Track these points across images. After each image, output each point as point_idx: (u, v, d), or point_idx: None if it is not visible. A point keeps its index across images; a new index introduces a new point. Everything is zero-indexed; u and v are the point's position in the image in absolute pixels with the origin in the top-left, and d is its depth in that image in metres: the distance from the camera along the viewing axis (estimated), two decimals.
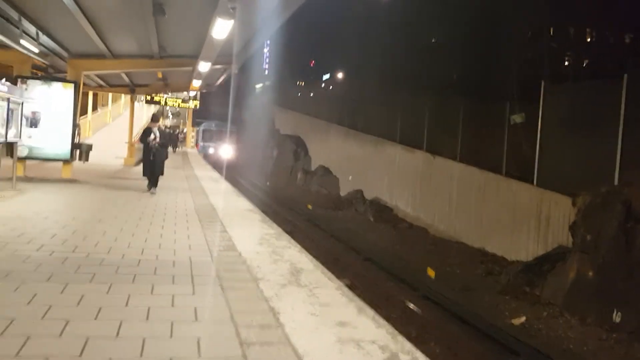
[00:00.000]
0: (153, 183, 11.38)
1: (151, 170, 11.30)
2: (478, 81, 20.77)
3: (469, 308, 8.63)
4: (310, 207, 19.89)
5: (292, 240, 7.06)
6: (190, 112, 38.38)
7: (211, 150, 34.12)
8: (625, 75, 9.78)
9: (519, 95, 16.39)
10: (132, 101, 22.85)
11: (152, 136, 11.13)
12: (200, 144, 36.31)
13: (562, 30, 24.25)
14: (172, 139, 30.43)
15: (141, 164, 12.04)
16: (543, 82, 12.17)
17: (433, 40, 28.27)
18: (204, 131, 36.24)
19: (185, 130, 42.04)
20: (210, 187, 13.74)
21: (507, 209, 12.54)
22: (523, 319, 8.27)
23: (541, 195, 11.39)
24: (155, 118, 11.51)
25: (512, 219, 12.26)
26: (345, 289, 4.80)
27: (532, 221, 11.48)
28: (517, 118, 13.18)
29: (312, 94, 36.15)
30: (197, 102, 28.14)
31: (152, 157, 11.15)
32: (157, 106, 34.34)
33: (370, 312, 4.19)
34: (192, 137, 41.64)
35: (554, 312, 8.43)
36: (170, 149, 30.22)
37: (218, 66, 16.05)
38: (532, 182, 11.92)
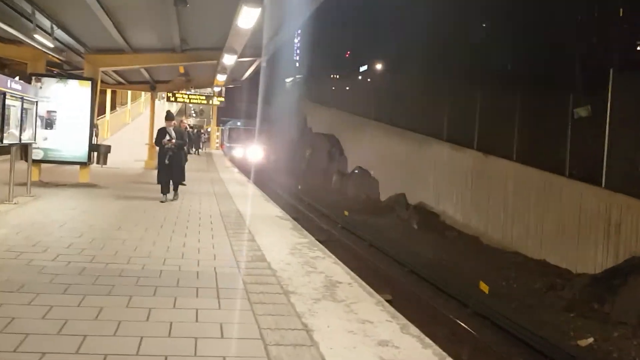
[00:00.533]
0: (171, 189, 11.27)
1: (169, 176, 11.12)
2: (537, 71, 20.74)
3: (528, 327, 8.48)
4: (346, 213, 19.95)
5: (327, 251, 7.09)
6: (215, 109, 39.00)
7: (238, 152, 34.42)
8: None
9: (583, 86, 16.43)
10: (153, 99, 23.34)
11: (167, 137, 10.93)
12: (226, 144, 36.82)
13: (634, 12, 23.93)
14: (195, 139, 30.86)
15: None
16: (611, 71, 12.21)
17: (484, 26, 27.96)
18: (230, 130, 36.78)
19: (209, 130, 42.54)
20: (236, 191, 13.95)
21: (571, 215, 12.34)
22: (591, 340, 8.16)
23: (611, 199, 11.25)
24: (169, 116, 11.25)
25: (577, 226, 12.08)
26: (387, 305, 4.78)
27: (600, 228, 11.34)
28: (582, 111, 13.04)
29: (347, 88, 36.27)
30: (222, 99, 28.48)
31: (167, 161, 10.94)
32: (180, 104, 35.26)
33: (415, 330, 4.16)
34: (217, 137, 42.18)
35: (626, 333, 8.28)
36: (193, 150, 31.41)
37: (244, 59, 16.25)
38: (600, 184, 11.83)
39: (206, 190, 13.79)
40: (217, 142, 40.51)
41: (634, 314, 8.49)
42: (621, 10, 22.59)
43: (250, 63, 18.84)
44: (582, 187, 12.19)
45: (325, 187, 27.49)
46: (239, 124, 37.03)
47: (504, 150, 15.59)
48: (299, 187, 27.98)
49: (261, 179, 25.74)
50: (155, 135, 11.77)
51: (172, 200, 11.14)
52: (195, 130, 36.32)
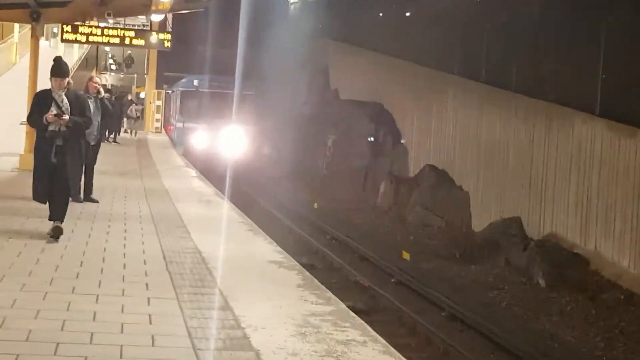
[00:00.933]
0: (56, 213, 10.97)
1: (52, 186, 10.88)
2: None
3: None
4: (407, 255, 20.63)
5: (370, 329, 7.17)
6: (154, 57, 39.91)
7: (199, 138, 35.62)
8: None
9: None
10: (36, 37, 23.25)
11: (52, 110, 10.63)
12: (177, 124, 38.11)
13: None
14: (116, 114, 31.78)
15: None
16: None
17: None
18: (184, 97, 37.75)
19: (142, 97, 44.56)
20: (196, 215, 14.37)
21: None
22: None
23: None
24: (59, 68, 10.92)
25: None
26: None
27: None
28: None
29: (408, 15, 36.02)
30: (168, 37, 28.15)
31: (53, 158, 10.65)
32: (87, 47, 37.18)
33: None
34: (158, 109, 43.47)
35: None
36: (112, 136, 34.16)
37: None
38: None
39: (136, 212, 14.13)
40: (157, 120, 42.15)
41: None
42: None
43: None
44: None
45: (363, 203, 28.67)
46: (200, 83, 37.34)
47: None
48: (315, 205, 29.11)
49: (244, 190, 29.04)
50: (30, 107, 11.89)
51: (51, 237, 10.69)
52: (116, 98, 36.80)
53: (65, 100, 10.61)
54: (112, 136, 34.70)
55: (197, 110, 36.18)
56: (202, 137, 35.06)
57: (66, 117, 10.44)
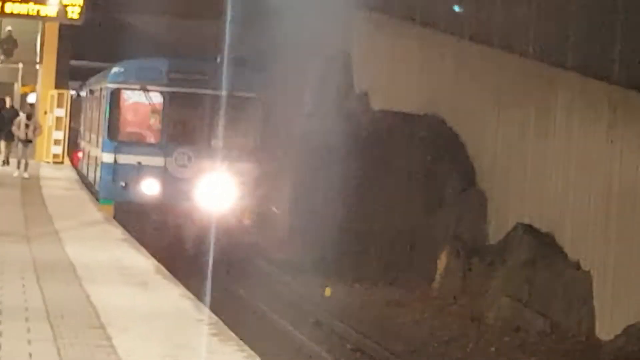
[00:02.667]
0: None
1: None
2: None
3: None
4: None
5: None
6: (53, 37, 36.70)
7: (150, 188, 25.43)
8: None
9: None
10: None
11: None
12: (103, 155, 26.47)
13: None
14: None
15: None
16: None
17: None
18: (119, 104, 26.54)
19: (32, 102, 42.02)
20: (125, 310, 12.88)
21: None
22: None
23: None
24: None
25: None
26: None
27: None
28: None
29: None
30: (78, 4, 27.60)
31: None
32: None
33: None
34: (58, 124, 40.16)
35: None
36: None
37: None
38: None
39: (19, 302, 12.47)
40: (57, 142, 39.11)
41: None
42: None
43: None
44: None
45: (410, 290, 26.61)
46: (152, 74, 26.55)
47: None
48: (327, 291, 26.11)
49: (237, 292, 24.43)
50: None
51: None
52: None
53: None
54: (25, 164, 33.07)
55: (147, 129, 26.07)
56: (155, 183, 24.60)
57: None
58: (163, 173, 23.35)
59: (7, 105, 38.59)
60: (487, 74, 27.92)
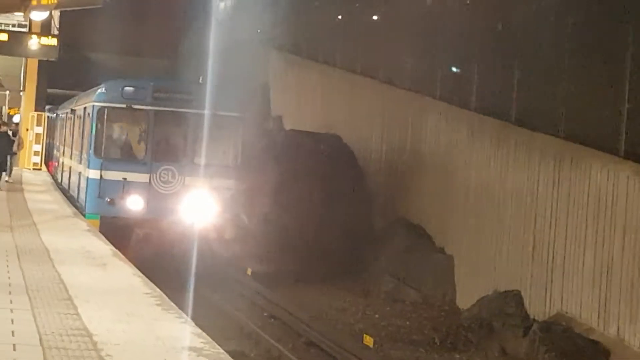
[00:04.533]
0: None
1: None
2: None
3: None
4: (370, 341, 20.87)
5: None
6: (33, 69, 39.67)
7: (136, 204, 25.83)
8: None
9: None
10: None
11: None
12: (89, 173, 26.61)
13: None
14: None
15: None
16: None
17: None
18: (105, 122, 26.75)
19: (16, 121, 44.89)
20: (87, 285, 14.43)
21: None
22: None
23: None
24: None
25: None
26: None
27: None
28: None
29: (375, 18, 37.68)
30: (54, 44, 29.08)
31: None
32: None
33: None
34: (37, 139, 43.82)
35: None
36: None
37: None
38: None
39: (3, 279, 14.12)
40: (36, 153, 42.89)
41: None
42: None
43: None
44: None
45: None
46: (137, 94, 26.57)
47: None
48: (249, 271, 28.37)
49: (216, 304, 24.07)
50: None
51: None
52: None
53: None
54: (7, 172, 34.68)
55: (132, 146, 26.20)
56: (140, 198, 24.90)
57: None
58: (148, 189, 23.55)
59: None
60: (374, 101, 32.65)
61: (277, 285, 26.18)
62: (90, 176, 23.96)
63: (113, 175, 23.57)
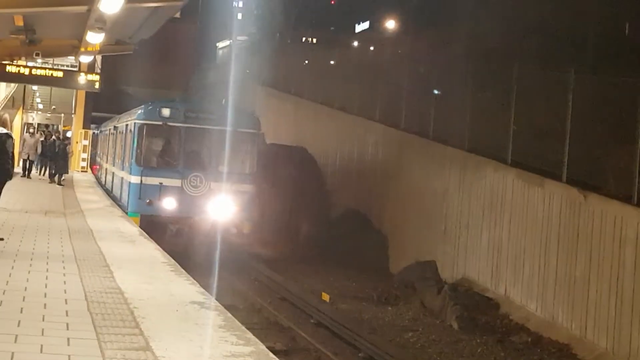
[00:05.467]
0: None
1: None
2: None
3: None
4: (326, 297, 20.73)
5: None
6: (82, 98, 38.09)
7: (171, 204, 22.79)
8: None
9: None
10: None
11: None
12: (131, 178, 23.91)
13: None
14: (61, 155, 32.46)
15: None
16: None
17: None
18: (145, 137, 23.82)
19: (68, 136, 42.68)
20: (120, 256, 14.00)
21: None
22: None
23: None
24: None
25: None
26: None
27: None
28: None
29: (333, 63, 37.22)
30: (97, 80, 27.62)
31: None
32: (13, 85, 35.35)
33: None
34: (84, 148, 41.95)
35: None
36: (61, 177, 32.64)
37: (141, 4, 16.24)
38: None
39: (58, 252, 13.72)
40: (83, 160, 40.43)
41: None
42: None
43: (152, 12, 18.88)
44: None
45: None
46: (173, 114, 23.55)
47: (617, 185, 16.23)
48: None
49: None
50: None
51: None
52: (63, 139, 35.09)
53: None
54: (60, 176, 33.34)
55: (167, 157, 23.53)
56: (173, 200, 22.46)
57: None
58: (180, 192, 21.82)
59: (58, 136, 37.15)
60: (331, 123, 32.30)
61: (274, 263, 24.54)
62: (132, 181, 22.53)
63: (151, 180, 22.13)
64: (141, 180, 22.15)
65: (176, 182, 21.90)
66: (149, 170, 22.17)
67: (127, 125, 25.53)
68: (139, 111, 23.77)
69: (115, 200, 26.42)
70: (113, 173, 29.32)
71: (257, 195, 24.60)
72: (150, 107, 23.46)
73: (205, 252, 20.45)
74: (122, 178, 25.41)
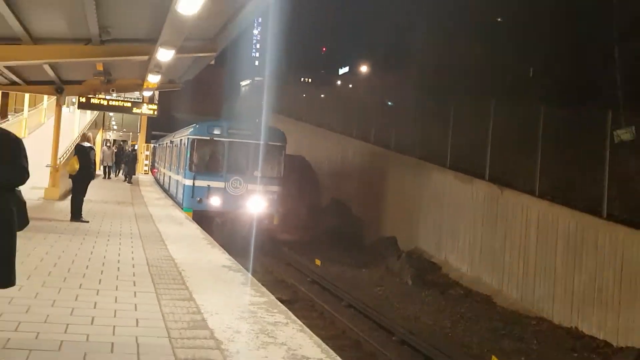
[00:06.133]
0: None
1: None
2: (565, 79, 21.60)
3: None
4: (319, 262, 20.42)
5: (291, 314, 7.18)
6: (144, 121, 38.45)
7: (216, 202, 20.91)
8: None
9: (626, 101, 16.74)
10: (59, 105, 23.00)
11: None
12: (184, 181, 21.86)
13: None
14: (131, 161, 33.54)
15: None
16: None
17: (499, 21, 28.95)
18: (197, 148, 21.74)
19: (136, 147, 42.76)
20: (172, 234, 13.86)
21: (611, 268, 12.67)
22: None
23: None
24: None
25: (619, 283, 12.38)
26: None
27: None
28: (624, 134, 13.58)
29: (323, 96, 37.57)
30: (155, 108, 27.57)
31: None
32: (95, 112, 35.22)
33: None
34: (147, 156, 41.77)
35: None
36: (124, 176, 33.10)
37: (186, 55, 16.25)
38: None
39: (127, 231, 13.57)
40: (146, 165, 40.00)
41: None
42: None
43: (194, 60, 18.86)
44: (626, 232, 12.53)
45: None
46: (220, 131, 21.68)
47: (524, 182, 16.27)
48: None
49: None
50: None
51: None
52: (129, 149, 35.77)
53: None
54: (130, 176, 33.77)
55: (213, 164, 21.70)
56: (218, 198, 20.88)
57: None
58: (223, 192, 20.45)
59: (127, 148, 39.54)
60: (322, 139, 31.22)
61: (284, 241, 23.01)
62: (186, 184, 21.18)
63: (201, 183, 20.73)
64: (193, 183, 20.84)
65: (220, 184, 20.63)
66: (199, 175, 20.83)
67: (181, 139, 24.24)
68: (192, 129, 22.51)
69: (172, 198, 24.95)
70: (170, 176, 27.74)
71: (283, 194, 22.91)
72: (201, 126, 22.14)
73: (242, 237, 19.22)
74: (177, 181, 23.94)
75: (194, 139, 21.45)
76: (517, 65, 26.00)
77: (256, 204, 20.38)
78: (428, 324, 13.99)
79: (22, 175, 5.22)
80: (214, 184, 20.77)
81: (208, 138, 21.23)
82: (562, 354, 11.76)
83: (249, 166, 20.87)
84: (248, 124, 22.18)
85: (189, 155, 21.52)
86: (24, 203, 5.38)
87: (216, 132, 21.38)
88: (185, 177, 21.75)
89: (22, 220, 5.29)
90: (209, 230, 16.96)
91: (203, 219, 19.65)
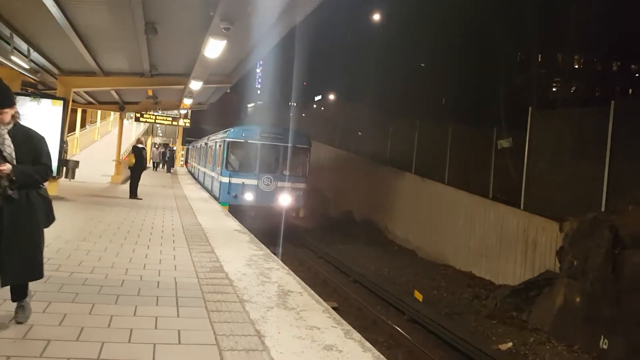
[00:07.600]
0: (15, 292, 4.02)
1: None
2: (467, 106, 21.29)
3: (456, 332, 8.61)
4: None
5: (281, 262, 7.07)
6: (181, 130, 37.52)
7: (249, 197, 16.98)
8: (613, 102, 10.00)
9: (507, 121, 16.93)
10: (121, 118, 22.81)
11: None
12: (220, 178, 17.80)
13: (551, 58, 25.26)
14: (169, 159, 32.37)
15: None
16: (530, 108, 12.82)
17: (422, 65, 28.76)
18: (232, 150, 17.60)
19: (174, 149, 41.79)
20: (201, 208, 13.36)
21: (494, 232, 12.74)
22: (510, 344, 8.22)
23: (528, 220, 11.56)
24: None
25: (499, 242, 12.47)
26: (333, 312, 4.82)
27: (519, 246, 11.64)
28: (504, 143, 13.59)
29: (303, 115, 37.10)
30: (188, 122, 27.33)
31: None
32: (146, 124, 33.74)
33: (357, 335, 4.20)
34: (182, 155, 40.76)
35: (541, 338, 8.43)
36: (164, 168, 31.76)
37: (210, 85, 16.15)
38: (519, 207, 12.13)
39: (169, 205, 13.09)
40: (182, 161, 38.60)
41: (548, 321, 8.68)
42: (539, 56, 23.32)
43: (216, 88, 18.67)
44: (504, 209, 12.62)
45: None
46: (251, 134, 17.65)
47: (438, 175, 16.18)
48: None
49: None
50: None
51: (17, 322, 3.94)
52: (168, 149, 34.32)
53: (9, 140, 3.89)
54: (170, 169, 32.27)
55: (247, 163, 17.51)
56: (252, 194, 17.01)
57: (6, 166, 3.77)
58: (256, 188, 16.86)
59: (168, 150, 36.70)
60: (337, 158, 25.14)
61: (314, 231, 19.27)
62: (222, 181, 17.27)
63: (236, 180, 16.88)
64: (229, 181, 17.11)
65: (253, 182, 17.00)
66: (234, 173, 17.10)
67: (216, 142, 20.44)
68: (227, 132, 18.59)
69: (207, 190, 20.77)
70: (204, 172, 23.64)
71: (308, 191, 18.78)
72: (235, 130, 18.26)
73: (271, 226, 16.22)
74: (213, 177, 20.10)
75: (229, 142, 17.86)
76: (435, 96, 25.58)
77: (285, 199, 17.05)
78: (372, 269, 13.92)
79: (50, 175, 4.07)
80: (247, 181, 17.20)
81: (242, 141, 17.63)
82: (462, 288, 11.86)
83: (278, 165, 17.30)
84: (278, 129, 18.57)
85: (225, 155, 17.89)
86: (50, 201, 4.10)
87: (249, 135, 17.83)
88: (221, 175, 18.09)
89: (50, 216, 4.07)
90: (243, 222, 13.00)
91: (238, 212, 16.25)
